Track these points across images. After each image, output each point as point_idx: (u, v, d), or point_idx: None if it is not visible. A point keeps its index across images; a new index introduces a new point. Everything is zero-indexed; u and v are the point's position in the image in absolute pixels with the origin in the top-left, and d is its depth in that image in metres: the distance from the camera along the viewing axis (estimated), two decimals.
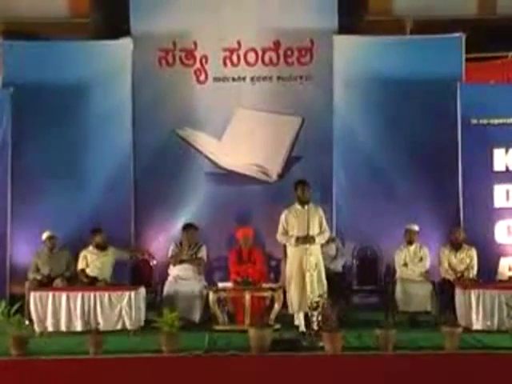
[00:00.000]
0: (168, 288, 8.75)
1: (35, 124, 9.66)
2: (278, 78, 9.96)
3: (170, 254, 9.14)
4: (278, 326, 7.82)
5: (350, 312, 8.43)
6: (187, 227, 9.19)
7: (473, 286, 8.34)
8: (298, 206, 8.17)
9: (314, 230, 8.08)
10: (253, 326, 7.16)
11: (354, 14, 10.06)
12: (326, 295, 7.62)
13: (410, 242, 9.03)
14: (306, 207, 8.14)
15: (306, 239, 8.00)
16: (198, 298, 8.63)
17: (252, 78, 9.96)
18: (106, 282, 8.84)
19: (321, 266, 8.11)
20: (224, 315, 8.40)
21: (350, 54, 9.72)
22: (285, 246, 8.48)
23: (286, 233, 8.17)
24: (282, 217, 8.21)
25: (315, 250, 8.08)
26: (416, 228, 9.04)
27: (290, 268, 8.16)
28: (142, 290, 8.43)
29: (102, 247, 9.07)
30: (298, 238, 8.03)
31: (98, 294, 8.17)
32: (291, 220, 8.14)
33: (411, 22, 10.59)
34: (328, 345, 6.88)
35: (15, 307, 7.29)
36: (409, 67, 9.63)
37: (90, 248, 9.11)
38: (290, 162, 9.90)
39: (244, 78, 9.97)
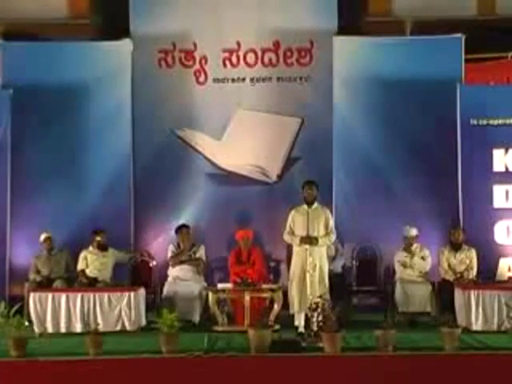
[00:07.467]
0: (167, 289, 8.76)
1: (35, 125, 9.67)
2: (278, 78, 9.97)
3: (169, 254, 9.15)
4: (277, 327, 7.83)
5: (349, 313, 8.39)
6: (180, 228, 9.18)
7: (472, 286, 8.35)
8: (304, 206, 8.14)
9: (319, 231, 8.02)
10: (252, 326, 7.14)
11: (354, 14, 10.06)
12: (326, 296, 7.62)
13: (410, 246, 8.99)
14: (312, 207, 8.11)
15: (309, 240, 7.97)
16: (197, 298, 8.64)
17: (251, 79, 9.97)
18: (106, 283, 8.85)
19: (323, 266, 8.06)
20: (223, 316, 8.39)
21: (350, 54, 9.73)
22: (290, 246, 8.46)
23: (292, 232, 8.15)
24: (290, 216, 8.18)
25: (317, 250, 8.01)
26: (414, 233, 8.97)
27: (293, 268, 8.15)
28: (142, 291, 8.43)
29: (102, 248, 9.08)
30: (301, 238, 8.01)
31: (97, 294, 8.16)
32: (297, 220, 8.10)
33: (411, 22, 10.56)
34: (327, 345, 6.86)
35: (15, 308, 7.28)
36: (408, 68, 9.63)
37: (90, 248, 9.12)
38: (289, 162, 9.91)
39: (243, 79, 9.98)
